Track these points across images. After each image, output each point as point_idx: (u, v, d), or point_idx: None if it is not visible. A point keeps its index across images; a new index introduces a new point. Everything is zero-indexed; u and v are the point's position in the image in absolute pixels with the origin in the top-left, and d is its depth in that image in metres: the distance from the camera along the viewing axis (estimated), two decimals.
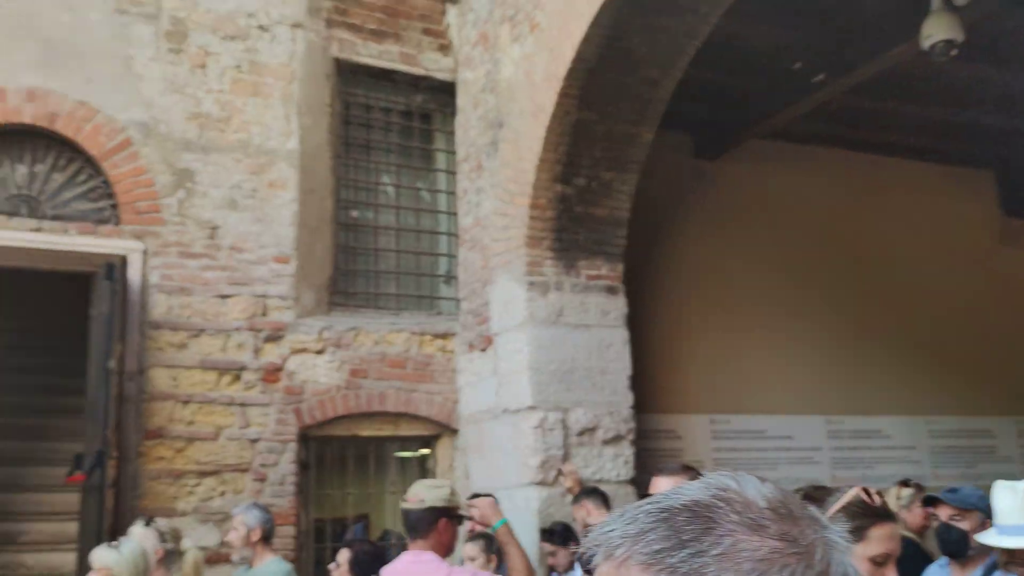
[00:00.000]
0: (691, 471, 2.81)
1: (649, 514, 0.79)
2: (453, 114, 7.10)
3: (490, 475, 6.03)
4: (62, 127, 5.95)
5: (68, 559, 6.27)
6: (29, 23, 5.96)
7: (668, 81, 5.69)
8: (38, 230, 5.86)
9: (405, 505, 3.37)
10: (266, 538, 4.72)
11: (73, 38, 6.05)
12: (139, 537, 4.08)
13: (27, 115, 5.89)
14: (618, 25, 5.24)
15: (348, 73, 6.89)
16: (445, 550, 3.36)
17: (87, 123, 6.00)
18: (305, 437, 6.28)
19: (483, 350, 6.31)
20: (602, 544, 0.80)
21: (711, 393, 7.62)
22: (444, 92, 7.14)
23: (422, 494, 3.36)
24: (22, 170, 5.99)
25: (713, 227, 7.88)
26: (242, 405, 6.06)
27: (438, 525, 3.30)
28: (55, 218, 5.96)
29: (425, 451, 6.86)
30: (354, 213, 6.94)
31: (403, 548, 6.82)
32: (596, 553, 0.81)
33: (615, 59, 5.41)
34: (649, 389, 6.76)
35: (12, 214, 5.87)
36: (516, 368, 5.84)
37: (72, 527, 6.52)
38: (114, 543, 3.87)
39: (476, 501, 3.60)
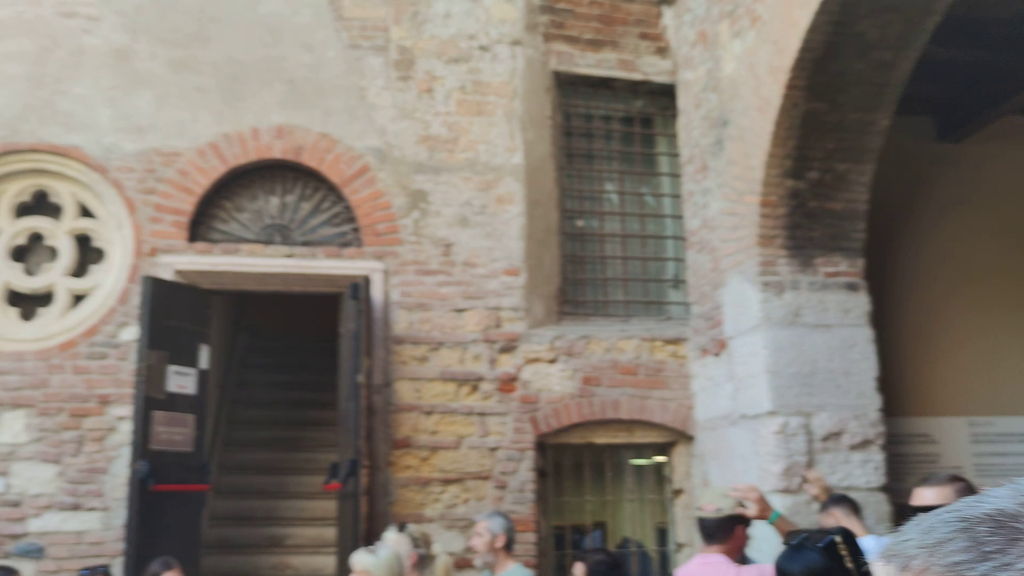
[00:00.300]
0: (960, 482, 2.61)
1: (947, 523, 0.74)
2: (674, 117, 7.02)
3: (729, 482, 5.86)
4: (307, 159, 6.41)
5: (328, 561, 6.71)
6: (276, 67, 6.48)
7: (904, 63, 5.34)
8: (290, 256, 6.33)
9: (702, 514, 3.58)
10: (508, 545, 4.81)
11: (313, 76, 6.51)
12: (393, 542, 4.29)
13: (277, 151, 6.39)
14: (846, 10, 4.98)
15: (567, 84, 6.98)
16: (737, 553, 3.56)
17: (329, 153, 6.43)
18: (542, 445, 6.39)
19: (716, 354, 6.17)
20: (898, 555, 0.75)
21: (968, 393, 7.05)
22: (664, 95, 7.08)
23: (718, 503, 3.57)
24: (274, 201, 6.50)
25: (961, 214, 7.31)
26: (481, 415, 6.25)
27: (735, 532, 3.52)
28: (304, 244, 6.42)
29: (661, 458, 6.79)
30: (579, 222, 7.00)
31: (643, 556, 6.81)
32: (891, 563, 0.76)
33: (844, 45, 5.14)
34: (898, 391, 6.36)
35: (268, 242, 6.38)
36: (753, 372, 5.67)
37: (330, 532, 6.98)
38: (371, 547, 4.09)
39: (746, 489, 3.69)
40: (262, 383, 9.08)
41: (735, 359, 5.91)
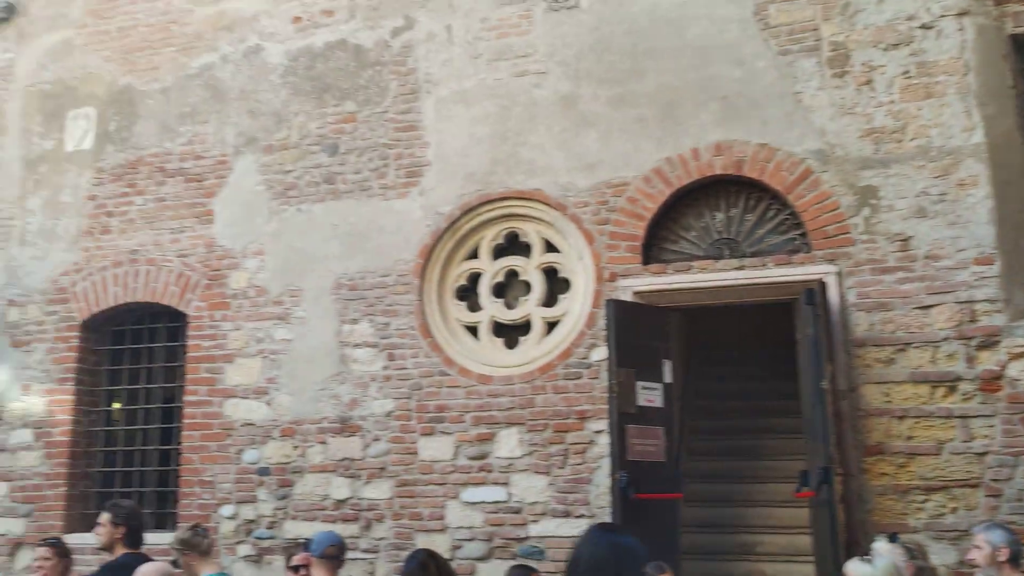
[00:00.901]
0: None
1: None
2: None
3: None
4: (748, 171, 6.50)
5: (804, 570, 6.63)
6: (708, 86, 6.68)
7: None
8: (740, 268, 6.44)
9: None
10: (1014, 559, 4.45)
11: (745, 89, 6.59)
12: (888, 552, 4.16)
13: (717, 167, 6.57)
14: None
15: None
16: None
17: (768, 163, 6.45)
18: None
19: None
20: None
21: None
22: None
23: None
24: (720, 216, 6.69)
25: None
26: (962, 417, 5.82)
27: None
28: (753, 255, 6.51)
29: None
30: None
31: None
32: None
33: None
34: None
35: (717, 257, 6.57)
36: None
37: (801, 540, 6.90)
38: (866, 557, 4.01)
39: None
40: (715, 393, 9.26)
41: None
